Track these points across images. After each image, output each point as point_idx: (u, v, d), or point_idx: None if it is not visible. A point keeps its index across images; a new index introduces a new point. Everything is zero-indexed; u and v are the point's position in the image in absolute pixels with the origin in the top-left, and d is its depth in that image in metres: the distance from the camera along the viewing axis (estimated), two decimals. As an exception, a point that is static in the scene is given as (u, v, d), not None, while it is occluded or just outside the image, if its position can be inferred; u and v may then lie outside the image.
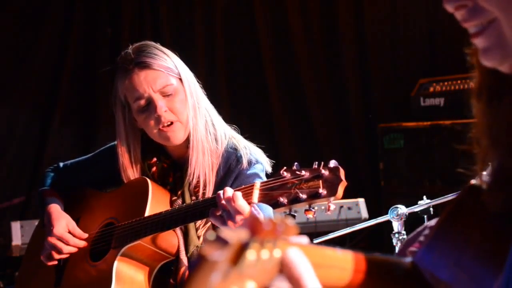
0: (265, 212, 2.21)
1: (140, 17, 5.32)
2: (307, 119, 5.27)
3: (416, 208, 2.67)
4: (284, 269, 0.90)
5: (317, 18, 5.31)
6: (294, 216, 1.96)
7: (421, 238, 1.33)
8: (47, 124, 5.10)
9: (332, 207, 1.94)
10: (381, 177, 4.65)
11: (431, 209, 2.68)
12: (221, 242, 0.82)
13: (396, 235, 2.63)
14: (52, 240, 2.38)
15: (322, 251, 1.01)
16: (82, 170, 2.65)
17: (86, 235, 2.42)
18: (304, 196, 1.91)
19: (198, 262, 0.80)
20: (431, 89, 4.58)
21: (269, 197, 1.98)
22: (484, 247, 1.01)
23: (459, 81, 4.47)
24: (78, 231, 2.42)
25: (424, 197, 2.72)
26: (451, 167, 4.21)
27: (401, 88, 5.00)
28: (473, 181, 1.09)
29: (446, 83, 4.54)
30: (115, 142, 2.49)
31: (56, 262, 2.43)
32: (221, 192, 2.06)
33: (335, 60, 5.31)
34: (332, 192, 1.89)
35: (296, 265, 0.90)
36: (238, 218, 2.00)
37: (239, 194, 2.01)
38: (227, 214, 2.02)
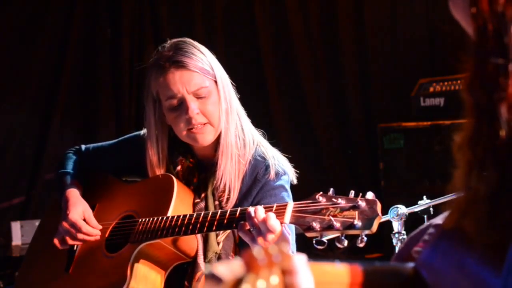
0: (293, 232, 2.20)
1: (140, 17, 5.32)
2: (307, 119, 5.27)
3: (416, 208, 2.67)
4: (287, 277, 0.89)
5: (317, 18, 5.31)
6: (324, 243, 1.90)
7: (426, 237, 1.32)
8: (47, 124, 5.10)
9: (365, 239, 1.90)
10: (381, 177, 4.65)
11: (431, 209, 2.68)
12: (216, 279, 0.82)
13: (396, 235, 2.63)
14: (66, 225, 2.36)
15: (321, 268, 1.01)
16: (104, 155, 2.62)
17: (100, 227, 2.40)
18: (338, 225, 1.86)
19: None
20: (431, 89, 4.58)
21: (301, 220, 1.94)
22: (487, 250, 1.01)
23: (459, 81, 4.47)
24: (93, 221, 2.40)
25: (424, 197, 2.71)
26: (451, 167, 4.21)
27: (401, 88, 5.00)
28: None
29: (446, 83, 4.53)
30: (140, 132, 2.48)
31: (66, 248, 2.42)
32: (251, 210, 2.02)
33: (335, 60, 5.31)
34: (367, 225, 1.85)
35: (299, 273, 0.90)
36: (270, 237, 1.96)
37: (272, 215, 1.97)
38: (258, 231, 1.99)
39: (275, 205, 2.03)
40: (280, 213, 1.99)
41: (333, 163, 5.15)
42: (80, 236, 2.37)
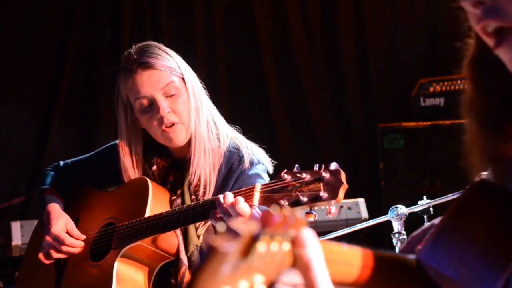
0: None
1: (140, 17, 5.31)
2: (307, 119, 5.27)
3: (416, 208, 2.67)
4: (296, 248, 0.90)
5: (317, 18, 5.30)
6: None
7: (427, 236, 1.33)
8: (47, 124, 5.10)
9: (333, 210, 1.91)
10: (381, 177, 4.65)
11: (431, 209, 2.68)
12: (232, 233, 0.82)
13: (396, 235, 2.63)
14: (49, 239, 2.39)
15: (329, 246, 1.01)
16: (82, 168, 2.65)
17: (84, 236, 2.42)
18: (305, 199, 1.88)
19: (208, 253, 0.80)
20: (431, 89, 4.58)
21: (270, 200, 1.96)
22: (488, 245, 1.01)
23: (459, 81, 4.47)
24: (76, 232, 2.42)
25: (424, 197, 2.71)
26: (451, 167, 4.21)
27: (401, 88, 5.00)
28: (477, 178, 1.08)
29: (446, 83, 4.54)
30: (116, 141, 2.49)
31: (52, 261, 2.43)
32: (221, 196, 2.04)
33: (335, 60, 5.31)
34: (333, 195, 1.87)
35: (308, 246, 0.90)
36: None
37: (241, 199, 2.00)
38: (228, 218, 2.01)
39: (243, 189, 2.05)
40: (248, 196, 2.00)
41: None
42: (64, 248, 2.38)
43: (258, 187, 2.01)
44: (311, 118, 5.27)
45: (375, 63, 5.24)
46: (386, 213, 2.65)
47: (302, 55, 5.29)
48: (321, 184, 1.88)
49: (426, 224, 1.36)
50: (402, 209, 2.61)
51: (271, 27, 5.32)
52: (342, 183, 1.88)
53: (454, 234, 1.05)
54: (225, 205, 2.01)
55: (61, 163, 2.69)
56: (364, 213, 4.19)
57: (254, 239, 0.83)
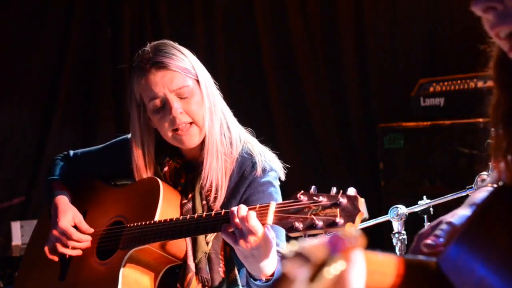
0: (278, 234, 2.18)
1: (140, 17, 5.32)
2: (307, 119, 5.27)
3: (416, 208, 2.66)
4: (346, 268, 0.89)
5: (317, 18, 5.30)
6: None
7: (437, 232, 1.31)
8: (47, 124, 5.10)
9: None
10: (381, 177, 4.65)
11: (431, 209, 2.68)
12: (301, 258, 0.82)
13: (396, 235, 2.63)
14: (56, 233, 2.37)
15: (365, 256, 0.98)
16: (92, 160, 2.62)
17: (92, 230, 2.40)
18: (320, 224, 1.85)
19: (278, 279, 0.80)
20: (431, 89, 4.58)
21: (284, 220, 1.92)
22: (510, 253, 0.99)
23: (459, 81, 4.47)
24: (84, 225, 2.41)
25: (424, 197, 2.71)
26: (451, 167, 4.21)
27: (401, 88, 4.99)
28: (477, 178, 1.08)
29: (446, 83, 4.53)
30: (128, 136, 2.47)
31: (56, 257, 2.42)
32: (235, 209, 2.00)
33: (335, 60, 5.30)
34: (349, 222, 1.84)
35: (353, 266, 0.89)
36: (251, 238, 1.94)
37: (253, 214, 1.96)
38: (240, 233, 1.97)
39: (257, 206, 2.00)
40: (262, 214, 1.96)
41: (333, 163, 5.15)
42: (70, 243, 2.37)
43: (273, 206, 1.96)
44: (311, 118, 5.27)
45: (375, 63, 5.24)
46: (386, 213, 2.65)
47: (302, 55, 5.29)
48: (338, 210, 1.85)
49: (434, 221, 1.35)
50: (402, 209, 2.61)
51: (271, 27, 5.32)
52: (359, 210, 1.85)
53: (475, 240, 1.04)
54: (237, 220, 1.97)
55: (71, 153, 2.67)
56: (364, 213, 4.18)
57: (322, 265, 0.83)
